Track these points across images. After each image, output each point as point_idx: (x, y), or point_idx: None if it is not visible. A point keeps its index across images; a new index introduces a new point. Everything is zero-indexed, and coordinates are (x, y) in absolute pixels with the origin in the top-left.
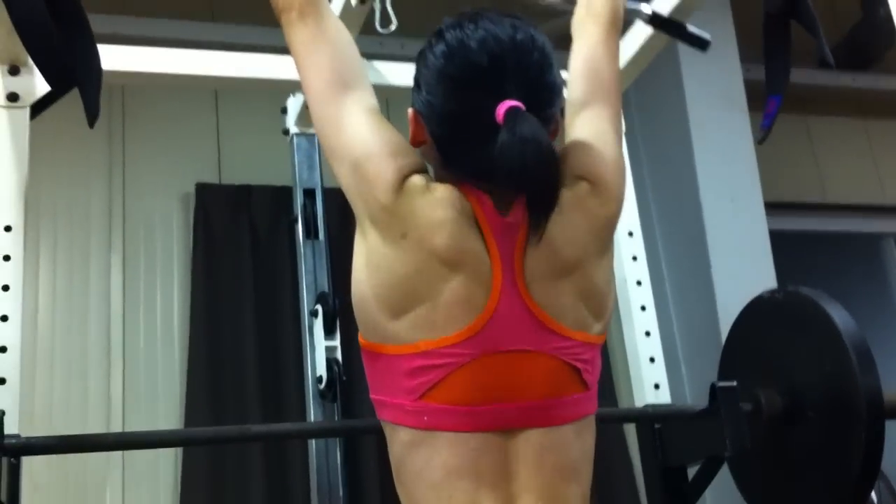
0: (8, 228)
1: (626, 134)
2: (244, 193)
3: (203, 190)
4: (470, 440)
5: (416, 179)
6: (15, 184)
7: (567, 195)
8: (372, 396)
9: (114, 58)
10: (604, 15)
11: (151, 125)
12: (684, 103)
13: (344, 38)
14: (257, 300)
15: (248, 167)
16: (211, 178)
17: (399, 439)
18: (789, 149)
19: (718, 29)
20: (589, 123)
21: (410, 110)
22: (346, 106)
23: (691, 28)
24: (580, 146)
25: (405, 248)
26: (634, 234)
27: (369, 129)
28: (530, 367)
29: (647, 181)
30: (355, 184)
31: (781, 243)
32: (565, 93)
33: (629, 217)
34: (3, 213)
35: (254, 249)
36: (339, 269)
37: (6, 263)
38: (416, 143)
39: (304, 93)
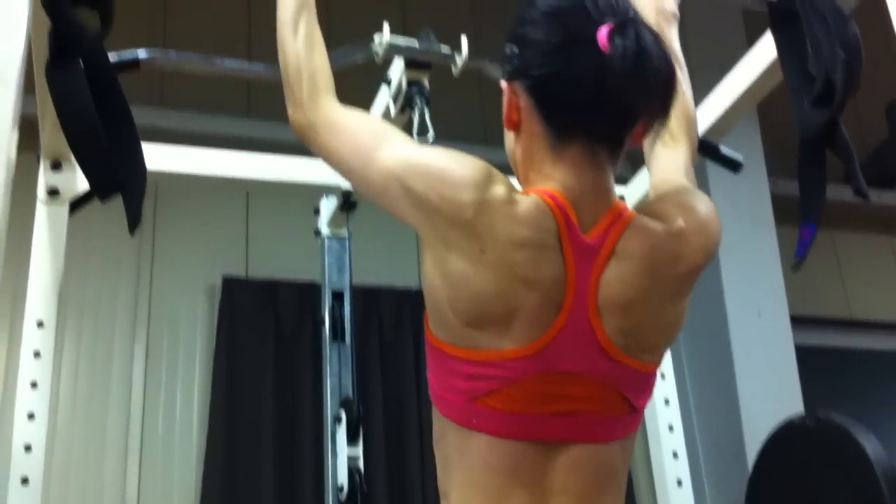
0: (40, 324)
1: None
2: (270, 288)
3: (229, 284)
4: (513, 446)
5: (498, 190)
6: (50, 280)
7: (660, 231)
8: (430, 379)
9: (147, 156)
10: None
11: (181, 217)
12: None
13: (355, 117)
14: (278, 399)
15: (275, 262)
16: (238, 271)
17: (445, 425)
18: (815, 264)
19: (746, 144)
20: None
21: (503, 82)
22: (396, 140)
23: (724, 150)
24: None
25: (484, 265)
26: (667, 377)
27: (425, 153)
28: (583, 388)
29: None
30: (423, 209)
31: (807, 358)
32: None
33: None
34: (36, 309)
35: (277, 346)
36: (363, 373)
37: (36, 360)
38: (510, 122)
39: (346, 178)
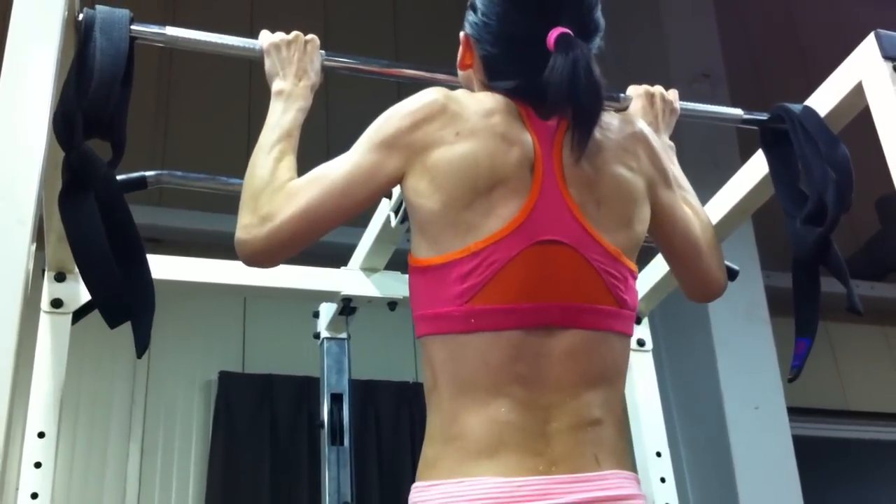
0: (41, 435)
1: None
2: (267, 383)
3: (226, 378)
4: (511, 337)
5: (460, 91)
6: (52, 390)
7: (623, 144)
8: (416, 314)
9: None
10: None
11: (178, 315)
12: (707, 317)
13: (307, 175)
14: (274, 496)
15: (271, 359)
16: (234, 366)
17: (439, 348)
18: (810, 355)
19: (739, 241)
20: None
21: (462, 33)
22: (351, 155)
23: None
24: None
25: (463, 139)
26: (662, 455)
27: (388, 110)
28: (568, 265)
29: (671, 397)
30: (399, 141)
31: (805, 449)
32: None
33: (657, 437)
34: (37, 420)
35: (273, 441)
36: (361, 467)
37: (37, 470)
38: (463, 65)
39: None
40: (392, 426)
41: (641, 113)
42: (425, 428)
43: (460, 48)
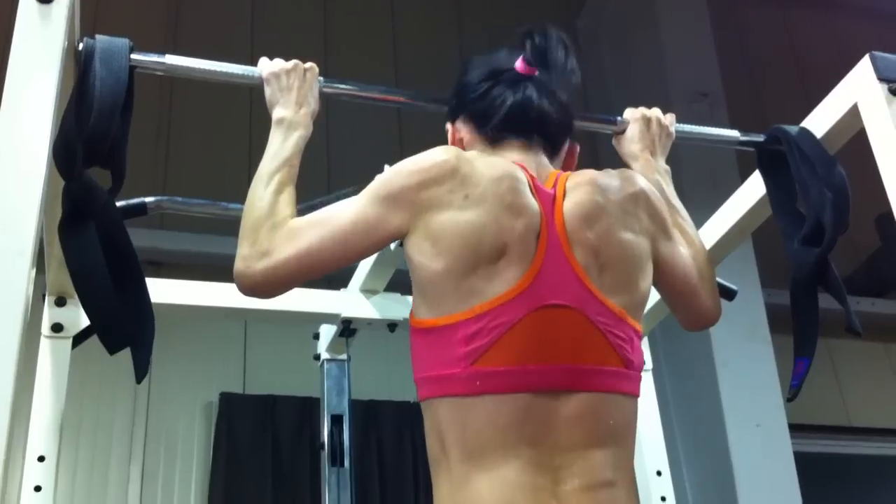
0: (41, 458)
1: (653, 371)
2: (268, 404)
3: (227, 399)
4: (518, 399)
5: (469, 152)
6: (52, 414)
7: (622, 200)
8: (417, 377)
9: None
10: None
11: (179, 335)
12: (709, 335)
13: (309, 216)
14: None
15: (272, 380)
16: (235, 388)
17: (445, 411)
18: (812, 372)
19: (739, 259)
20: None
21: (448, 125)
22: (355, 203)
23: (719, 280)
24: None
25: (471, 204)
26: (663, 474)
27: (397, 164)
28: (573, 327)
29: (673, 415)
30: (404, 196)
31: (807, 465)
32: None
33: (657, 456)
34: (38, 443)
35: (275, 462)
36: (363, 488)
37: (37, 494)
38: (453, 141)
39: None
40: (394, 446)
41: (638, 136)
42: (432, 495)
43: (449, 136)
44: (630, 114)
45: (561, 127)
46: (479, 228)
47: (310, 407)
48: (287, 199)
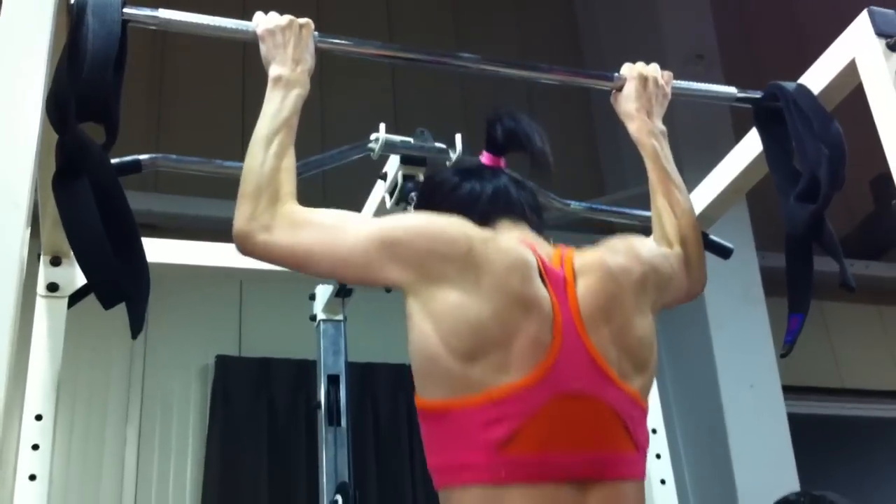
0: (39, 417)
1: None
2: (264, 367)
3: (223, 361)
4: (545, 491)
5: (484, 231)
6: (49, 373)
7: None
8: (433, 463)
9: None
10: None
11: (175, 300)
12: (703, 296)
13: (317, 210)
14: (272, 478)
15: (268, 342)
16: (231, 350)
17: (466, 497)
18: (806, 334)
19: (734, 222)
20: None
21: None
22: (364, 231)
23: (713, 238)
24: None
25: (482, 292)
26: (658, 432)
27: (409, 216)
28: (592, 416)
29: (667, 376)
30: (413, 261)
31: (800, 426)
32: None
33: (652, 415)
34: (35, 402)
35: (271, 424)
36: (359, 449)
37: (34, 452)
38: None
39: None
40: (389, 409)
41: (634, 95)
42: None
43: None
44: (627, 70)
45: (539, 210)
46: (489, 319)
47: (306, 369)
48: (288, 165)
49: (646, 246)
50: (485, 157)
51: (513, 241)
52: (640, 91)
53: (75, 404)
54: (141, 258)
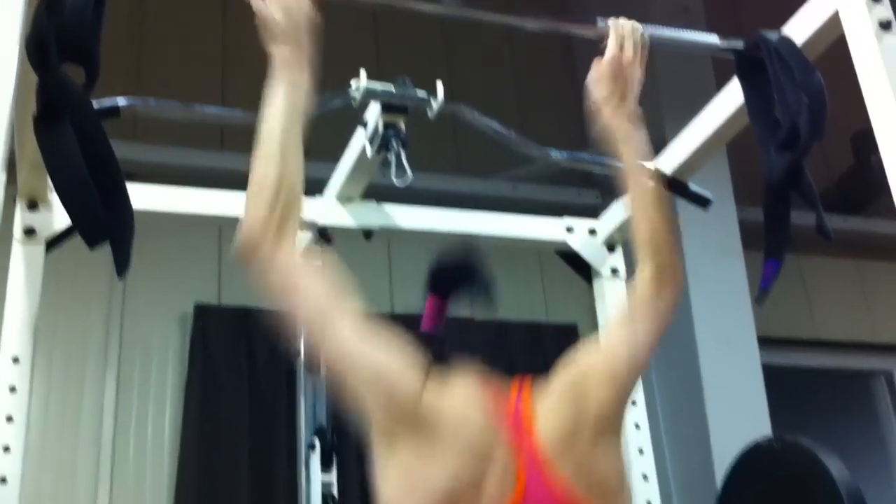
0: (16, 360)
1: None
2: (243, 316)
3: (201, 312)
4: None
5: (433, 376)
6: (26, 317)
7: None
8: None
9: None
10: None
11: (153, 247)
12: (681, 245)
13: (310, 279)
14: (251, 426)
15: (248, 288)
16: (210, 298)
17: None
18: (783, 288)
19: (713, 174)
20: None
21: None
22: (346, 322)
23: (693, 187)
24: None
25: (439, 451)
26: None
27: (377, 341)
28: None
29: None
30: (374, 397)
31: (775, 378)
32: None
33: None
34: (11, 345)
35: (251, 375)
36: (337, 403)
37: (12, 395)
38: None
39: (301, 319)
40: None
41: (608, 78)
42: None
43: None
44: (613, 27)
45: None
46: (448, 482)
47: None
48: (298, 171)
49: (604, 346)
50: (429, 302)
51: (466, 385)
52: (615, 74)
53: (53, 352)
54: (124, 197)
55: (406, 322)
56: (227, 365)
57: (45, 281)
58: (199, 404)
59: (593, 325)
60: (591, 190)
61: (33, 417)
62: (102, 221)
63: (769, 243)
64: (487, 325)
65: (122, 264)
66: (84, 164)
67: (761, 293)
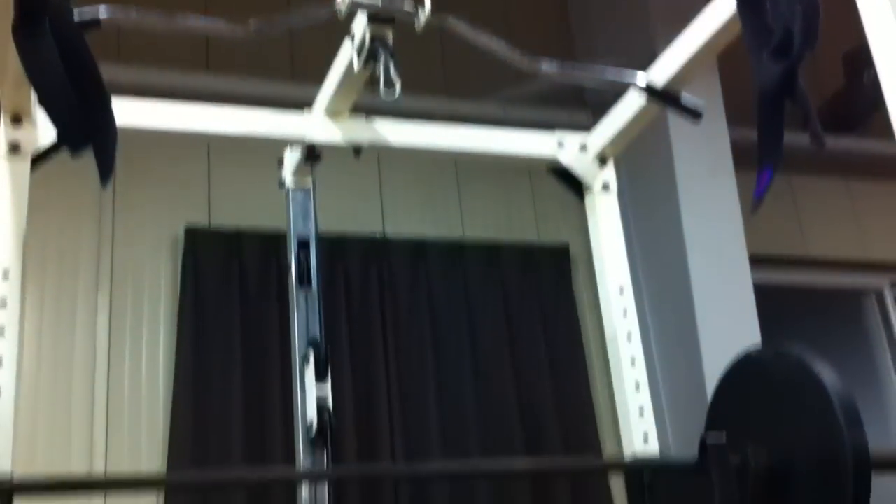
0: (6, 274)
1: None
2: (234, 239)
3: (192, 235)
4: None
5: None
6: (14, 232)
7: None
8: None
9: None
10: None
11: (142, 166)
12: (672, 165)
13: None
14: (245, 346)
15: (238, 210)
16: (201, 219)
17: None
18: (774, 208)
19: (705, 91)
20: None
21: None
22: None
23: (685, 98)
24: None
25: None
26: (625, 290)
27: None
28: None
29: (633, 239)
30: None
31: (765, 297)
32: None
33: (620, 273)
34: (1, 259)
35: (243, 296)
36: (330, 321)
37: (2, 310)
38: None
39: None
40: (361, 281)
41: None
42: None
43: None
44: None
45: None
46: None
47: (277, 242)
48: None
49: None
50: None
51: None
52: None
53: (44, 278)
54: (107, 106)
55: (396, 247)
56: (220, 287)
57: (33, 203)
58: (193, 326)
59: (586, 245)
60: (582, 111)
61: (28, 337)
62: (85, 128)
63: (763, 150)
64: (478, 247)
65: (105, 172)
66: (63, 69)
67: (755, 201)
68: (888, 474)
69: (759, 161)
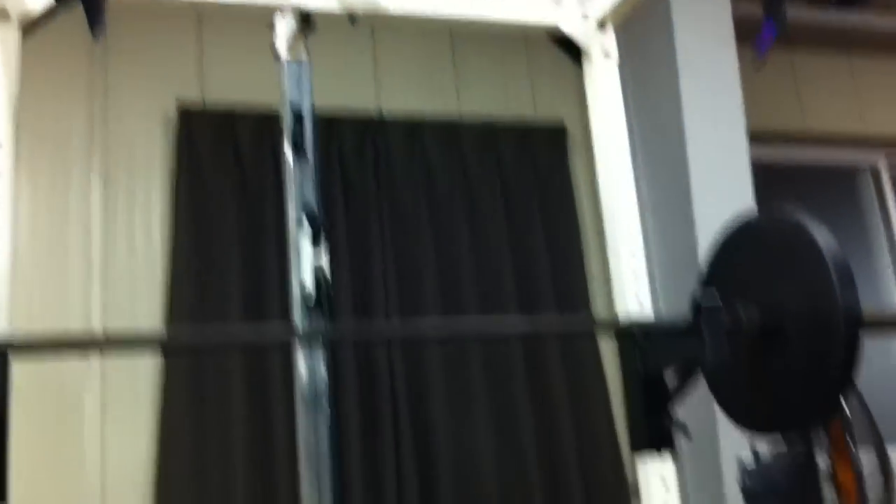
0: None
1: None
2: (228, 119)
3: (186, 116)
4: None
5: None
6: (5, 100)
7: None
8: None
9: None
10: None
11: (133, 42)
12: (673, 36)
13: None
14: (239, 220)
15: (231, 85)
16: (194, 96)
17: None
18: (773, 82)
19: None
20: None
21: None
22: None
23: None
24: None
25: None
26: (623, 161)
27: None
28: None
29: (631, 109)
30: None
31: (761, 176)
32: None
33: (618, 143)
34: None
35: (238, 176)
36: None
37: None
38: None
39: None
40: (356, 163)
41: None
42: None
43: None
44: None
45: None
46: None
47: (270, 123)
48: None
49: None
50: None
51: None
52: None
53: (36, 157)
54: None
55: (394, 127)
56: (214, 167)
57: (25, 79)
58: (187, 205)
59: (583, 119)
60: None
61: (23, 210)
62: None
63: (767, 4)
64: (474, 126)
65: (96, 25)
66: None
67: (760, 55)
68: (877, 335)
69: (765, 10)
